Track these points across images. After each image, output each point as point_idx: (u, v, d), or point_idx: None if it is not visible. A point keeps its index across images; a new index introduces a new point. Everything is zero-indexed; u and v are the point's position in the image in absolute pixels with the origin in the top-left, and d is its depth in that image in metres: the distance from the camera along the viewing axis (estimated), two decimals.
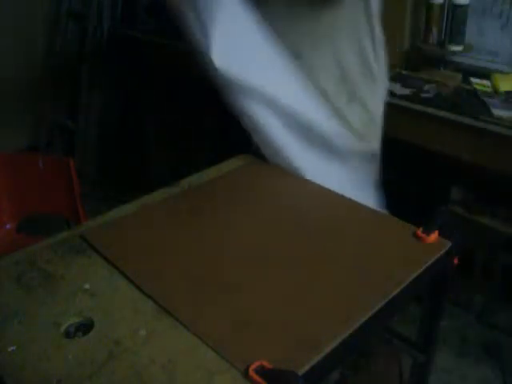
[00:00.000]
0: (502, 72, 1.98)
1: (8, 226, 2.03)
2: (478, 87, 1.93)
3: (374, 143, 1.37)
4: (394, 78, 2.08)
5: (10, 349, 0.75)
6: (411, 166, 2.18)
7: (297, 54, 1.20)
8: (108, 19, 2.72)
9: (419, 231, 0.98)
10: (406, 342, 1.15)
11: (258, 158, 1.25)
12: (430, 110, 1.85)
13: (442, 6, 2.01)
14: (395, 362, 1.40)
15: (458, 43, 1.99)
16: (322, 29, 1.22)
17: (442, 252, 0.94)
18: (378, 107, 1.35)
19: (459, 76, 2.04)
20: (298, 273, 0.89)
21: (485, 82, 1.95)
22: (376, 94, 1.34)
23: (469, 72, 2.06)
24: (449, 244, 0.96)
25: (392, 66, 2.17)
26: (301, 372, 0.70)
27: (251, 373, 0.68)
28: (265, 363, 0.70)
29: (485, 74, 2.01)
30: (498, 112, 1.71)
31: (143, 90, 2.76)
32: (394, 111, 1.95)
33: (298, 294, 0.84)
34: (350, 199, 1.11)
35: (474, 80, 1.98)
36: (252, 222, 1.03)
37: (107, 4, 2.71)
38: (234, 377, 0.70)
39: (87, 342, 0.76)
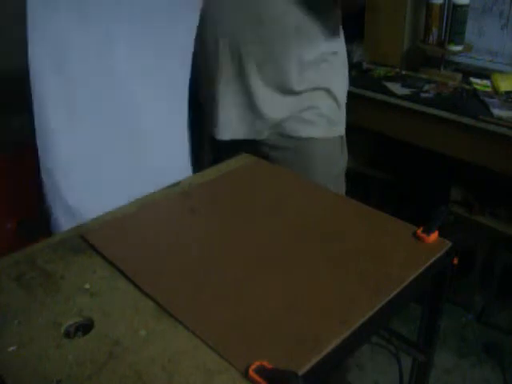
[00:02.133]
0: (502, 72, 1.98)
1: (8, 226, 2.03)
2: (477, 87, 1.93)
3: (341, 127, 1.43)
4: (394, 78, 2.09)
5: (10, 349, 0.75)
6: (411, 165, 2.19)
7: (263, 59, 1.23)
8: None
9: (419, 231, 0.98)
10: (406, 342, 1.15)
11: (258, 158, 1.25)
12: (430, 110, 1.85)
13: (441, 5, 2.01)
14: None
15: (457, 43, 2.00)
16: (289, 27, 1.22)
17: (442, 252, 0.94)
18: (341, 93, 1.40)
19: (459, 76, 2.04)
20: (299, 273, 0.89)
21: (485, 81, 1.95)
22: (338, 80, 1.39)
23: (469, 72, 2.06)
24: (449, 244, 0.96)
25: (392, 66, 2.18)
26: (301, 372, 0.70)
27: (251, 373, 0.68)
28: (265, 363, 0.70)
29: (485, 74, 2.01)
30: (497, 112, 1.72)
31: None
32: (394, 111, 1.96)
33: (299, 293, 0.84)
34: (350, 200, 1.11)
35: (474, 80, 1.98)
36: (252, 221, 1.03)
37: None
38: (233, 377, 0.70)
39: (87, 342, 0.76)
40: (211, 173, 1.21)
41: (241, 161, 1.25)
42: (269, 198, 1.11)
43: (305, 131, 1.36)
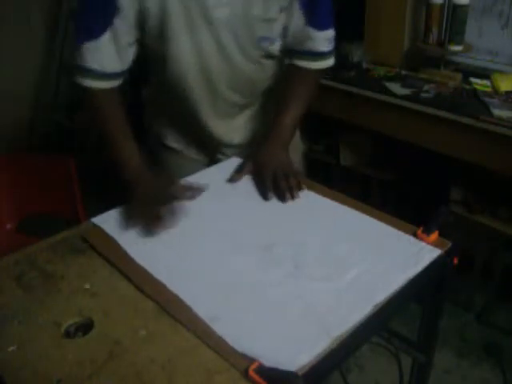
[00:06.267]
0: (502, 72, 1.98)
1: (8, 226, 2.03)
2: (477, 87, 1.93)
3: None
4: (394, 78, 2.09)
5: (10, 349, 0.75)
6: (411, 166, 2.19)
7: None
8: None
9: (419, 231, 0.98)
10: (406, 342, 1.15)
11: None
12: (429, 110, 1.85)
13: (441, 5, 2.01)
14: None
15: (457, 43, 1.99)
16: None
17: (441, 252, 0.94)
18: None
19: (459, 76, 2.04)
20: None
21: (485, 81, 1.95)
22: None
23: (469, 72, 2.06)
24: (449, 244, 0.96)
25: (392, 66, 2.18)
26: (301, 372, 0.70)
27: (251, 373, 0.68)
28: (265, 363, 0.70)
29: (485, 74, 2.01)
30: (497, 112, 1.72)
31: (143, 90, 2.76)
32: (394, 111, 1.96)
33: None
34: (349, 199, 1.11)
35: (474, 80, 1.98)
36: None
37: None
38: (233, 377, 0.70)
39: (87, 342, 0.76)
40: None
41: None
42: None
43: None
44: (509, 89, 1.87)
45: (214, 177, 1.19)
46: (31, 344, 0.76)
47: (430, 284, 0.97)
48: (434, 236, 0.97)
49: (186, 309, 0.81)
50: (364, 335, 0.80)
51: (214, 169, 1.25)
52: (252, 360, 0.70)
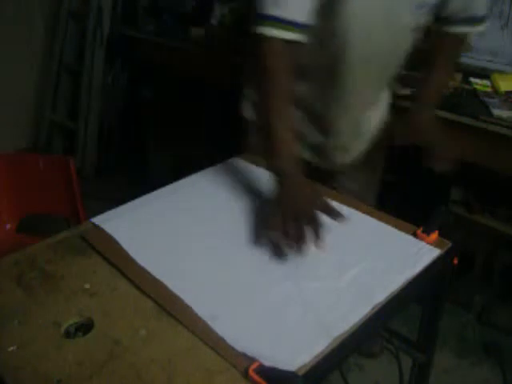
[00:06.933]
0: (502, 72, 1.98)
1: (8, 226, 2.03)
2: (477, 87, 1.93)
3: None
4: None
5: (10, 349, 0.75)
6: (411, 166, 2.18)
7: None
8: (108, 19, 2.73)
9: (419, 231, 0.98)
10: (406, 341, 1.15)
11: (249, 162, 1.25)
12: None
13: None
14: None
15: None
16: None
17: (441, 252, 0.94)
18: None
19: (459, 76, 2.03)
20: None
21: (485, 81, 1.95)
22: None
23: (469, 72, 2.06)
24: (449, 244, 0.96)
25: None
26: (301, 372, 0.70)
27: (251, 373, 0.68)
28: (265, 363, 0.70)
29: (485, 74, 2.01)
30: (497, 112, 1.71)
31: (143, 90, 2.76)
32: (393, 111, 1.96)
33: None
34: (350, 198, 1.11)
35: (473, 80, 1.98)
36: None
37: (107, 4, 2.71)
38: (233, 377, 0.70)
39: (87, 342, 0.76)
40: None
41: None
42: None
43: None
44: (509, 89, 1.86)
45: (214, 177, 1.19)
46: (31, 344, 0.76)
47: (429, 284, 0.97)
48: (434, 236, 0.97)
49: (186, 309, 0.81)
50: (364, 335, 0.80)
51: (214, 169, 1.24)
52: (252, 360, 0.70)
